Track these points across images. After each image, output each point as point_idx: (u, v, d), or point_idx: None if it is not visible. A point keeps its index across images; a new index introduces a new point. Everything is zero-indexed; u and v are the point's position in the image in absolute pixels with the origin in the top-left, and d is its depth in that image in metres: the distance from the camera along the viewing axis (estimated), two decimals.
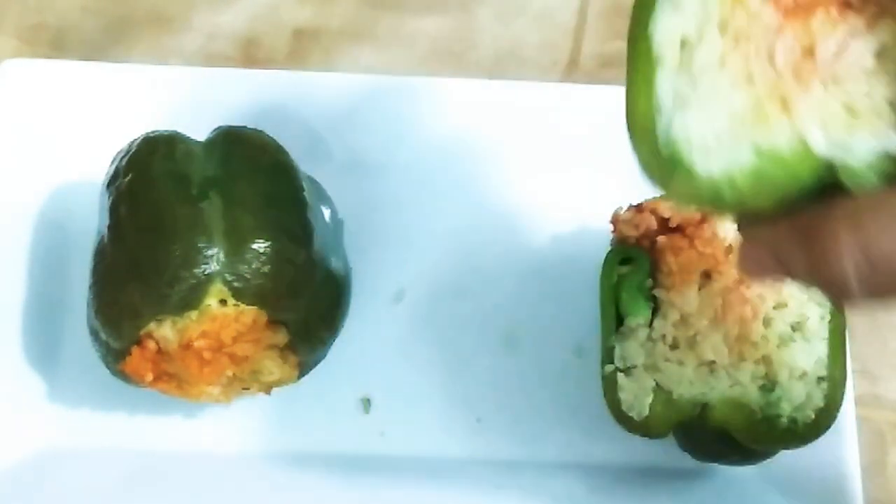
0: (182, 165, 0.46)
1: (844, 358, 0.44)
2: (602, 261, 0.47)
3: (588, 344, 0.52)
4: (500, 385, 0.52)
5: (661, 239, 0.46)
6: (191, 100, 0.54)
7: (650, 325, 0.45)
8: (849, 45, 0.25)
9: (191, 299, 0.43)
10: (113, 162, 0.48)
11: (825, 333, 0.44)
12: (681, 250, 0.45)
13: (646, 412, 0.45)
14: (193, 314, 0.43)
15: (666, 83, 0.26)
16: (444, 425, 0.51)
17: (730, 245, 0.45)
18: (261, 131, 0.49)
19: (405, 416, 0.51)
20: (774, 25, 0.26)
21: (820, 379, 0.43)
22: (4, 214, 0.52)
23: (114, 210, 0.46)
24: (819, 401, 0.43)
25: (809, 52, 0.25)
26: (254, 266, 0.44)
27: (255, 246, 0.44)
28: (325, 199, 0.52)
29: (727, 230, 0.45)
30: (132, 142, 0.48)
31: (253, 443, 0.50)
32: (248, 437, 0.50)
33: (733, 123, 0.26)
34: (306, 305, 0.45)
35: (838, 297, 0.25)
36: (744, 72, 0.26)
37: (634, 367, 0.45)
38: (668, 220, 0.46)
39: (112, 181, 0.47)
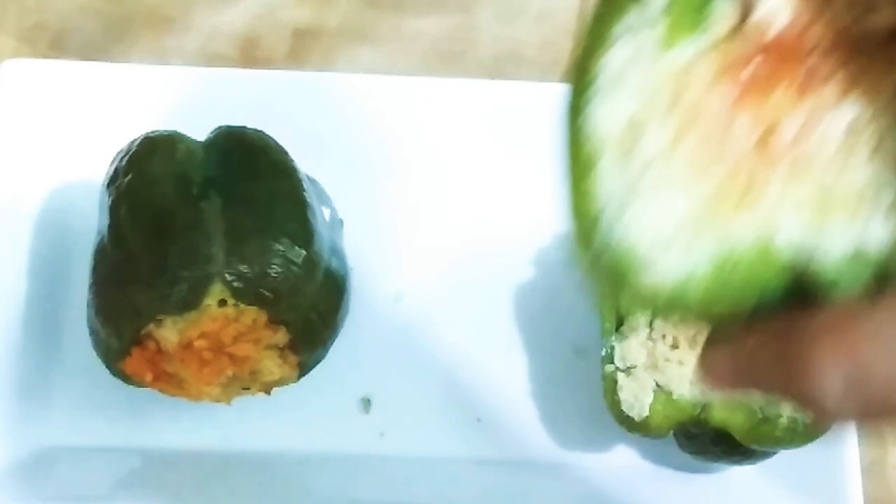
0: (182, 165, 0.46)
1: None
2: None
3: (588, 344, 0.52)
4: (500, 385, 0.52)
5: None
6: (191, 100, 0.54)
7: (650, 324, 0.45)
8: (817, 121, 0.22)
9: (191, 299, 0.43)
10: (113, 162, 0.48)
11: None
12: None
13: (646, 412, 0.44)
14: (193, 314, 0.43)
15: (609, 176, 0.23)
16: (444, 425, 0.51)
17: None
18: (261, 131, 0.49)
19: (405, 416, 0.51)
20: (731, 103, 0.22)
21: None
22: (4, 214, 0.52)
23: (114, 210, 0.46)
24: None
25: (772, 132, 0.22)
26: (254, 266, 0.44)
27: (254, 246, 0.44)
28: (325, 199, 0.52)
29: None
30: (132, 142, 0.48)
31: (253, 443, 0.50)
32: (248, 437, 0.50)
33: (689, 219, 0.22)
34: (306, 305, 0.45)
35: (819, 414, 0.21)
36: (698, 158, 0.22)
37: (634, 367, 0.45)
38: None
39: (112, 181, 0.47)
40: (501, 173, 0.55)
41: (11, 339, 0.50)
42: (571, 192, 0.23)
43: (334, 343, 0.49)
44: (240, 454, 0.50)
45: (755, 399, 0.39)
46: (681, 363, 0.44)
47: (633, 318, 0.46)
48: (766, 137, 0.22)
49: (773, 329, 0.22)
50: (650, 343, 0.45)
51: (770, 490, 0.49)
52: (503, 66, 0.60)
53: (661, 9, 0.22)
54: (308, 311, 0.46)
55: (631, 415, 0.45)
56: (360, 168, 0.55)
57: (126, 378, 0.45)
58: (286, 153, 0.48)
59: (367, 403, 0.51)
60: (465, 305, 0.53)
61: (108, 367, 0.46)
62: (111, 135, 0.50)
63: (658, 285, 0.22)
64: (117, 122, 0.52)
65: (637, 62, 0.22)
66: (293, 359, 0.46)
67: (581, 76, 0.23)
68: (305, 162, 0.49)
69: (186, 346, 0.43)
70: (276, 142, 0.49)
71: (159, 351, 0.44)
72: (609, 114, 0.22)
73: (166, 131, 0.48)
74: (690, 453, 0.47)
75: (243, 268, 0.44)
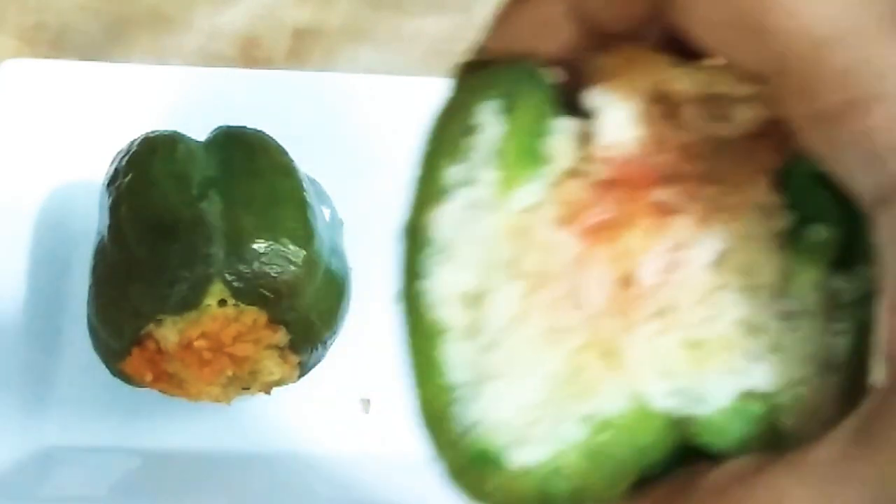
0: (182, 165, 0.46)
1: None
2: None
3: None
4: None
5: None
6: (191, 100, 0.54)
7: None
8: (678, 260, 0.19)
9: (191, 299, 0.43)
10: (113, 162, 0.48)
11: None
12: None
13: None
14: (193, 314, 0.43)
15: (455, 355, 0.20)
16: None
17: None
18: (261, 131, 0.49)
19: (405, 416, 0.51)
20: (579, 255, 0.19)
21: None
22: (4, 214, 0.52)
23: (114, 210, 0.46)
24: None
25: (628, 280, 0.19)
26: (254, 266, 0.44)
27: (255, 246, 0.44)
28: (325, 199, 0.52)
29: None
30: (132, 142, 0.48)
31: (253, 443, 0.50)
32: (248, 437, 0.50)
33: (549, 393, 0.19)
34: (306, 305, 0.45)
35: None
36: (550, 323, 0.19)
37: None
38: None
39: (112, 181, 0.47)
40: None
41: (12, 339, 0.50)
42: (416, 378, 0.21)
43: (334, 343, 0.49)
44: (240, 454, 0.50)
45: None
46: None
47: None
48: (623, 286, 0.19)
49: (660, 497, 0.19)
50: None
51: None
52: None
53: (495, 147, 0.20)
54: (308, 311, 0.46)
55: None
56: (360, 168, 0.55)
57: (126, 378, 0.45)
58: (286, 153, 0.48)
59: (367, 403, 0.51)
60: None
61: (108, 367, 0.46)
62: (111, 135, 0.50)
63: (526, 470, 0.19)
64: (117, 122, 0.52)
65: (474, 215, 0.20)
66: (293, 359, 0.46)
67: (415, 237, 0.20)
68: (305, 162, 0.49)
69: (186, 346, 0.43)
70: (276, 142, 0.49)
71: (159, 351, 0.44)
72: (448, 285, 0.20)
73: (166, 131, 0.48)
74: None
75: (243, 268, 0.44)
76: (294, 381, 0.47)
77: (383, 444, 0.50)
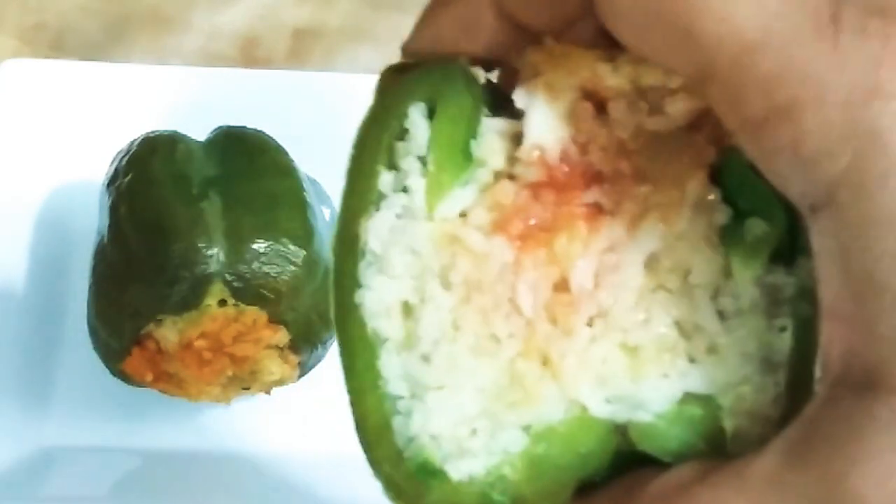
0: (182, 165, 0.46)
1: None
2: None
3: None
4: None
5: None
6: (191, 100, 0.54)
7: None
8: (610, 262, 0.19)
9: (191, 299, 0.43)
10: (113, 162, 0.48)
11: None
12: None
13: None
14: (193, 314, 0.43)
15: (393, 367, 0.20)
16: None
17: None
18: (261, 131, 0.49)
19: None
20: (512, 261, 0.19)
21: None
22: (4, 214, 0.52)
23: (114, 210, 0.46)
24: None
25: (562, 285, 0.19)
26: (254, 266, 0.44)
27: (255, 246, 0.44)
28: (325, 199, 0.52)
29: None
30: (132, 142, 0.48)
31: (253, 443, 0.50)
32: (248, 437, 0.50)
33: (487, 402, 0.19)
34: (306, 305, 0.45)
35: None
36: (485, 332, 0.19)
37: None
38: None
39: (112, 181, 0.47)
40: None
41: (12, 339, 0.50)
42: (354, 391, 0.21)
43: (334, 343, 0.49)
44: (240, 454, 0.50)
45: None
46: None
47: None
48: (558, 291, 0.19)
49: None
50: None
51: None
52: None
53: (423, 152, 0.20)
54: (308, 311, 0.46)
55: None
56: None
57: (126, 378, 0.45)
58: (286, 153, 0.48)
59: None
60: None
61: (108, 367, 0.46)
62: (111, 135, 0.50)
63: (467, 481, 0.19)
64: (117, 122, 0.52)
65: (406, 224, 0.20)
66: (293, 359, 0.46)
67: (349, 247, 0.20)
68: (305, 162, 0.49)
69: (186, 346, 0.43)
70: (276, 142, 0.49)
71: (159, 351, 0.44)
72: (380, 294, 0.20)
73: (166, 131, 0.48)
74: None
75: (243, 268, 0.44)
76: (294, 381, 0.47)
77: None
